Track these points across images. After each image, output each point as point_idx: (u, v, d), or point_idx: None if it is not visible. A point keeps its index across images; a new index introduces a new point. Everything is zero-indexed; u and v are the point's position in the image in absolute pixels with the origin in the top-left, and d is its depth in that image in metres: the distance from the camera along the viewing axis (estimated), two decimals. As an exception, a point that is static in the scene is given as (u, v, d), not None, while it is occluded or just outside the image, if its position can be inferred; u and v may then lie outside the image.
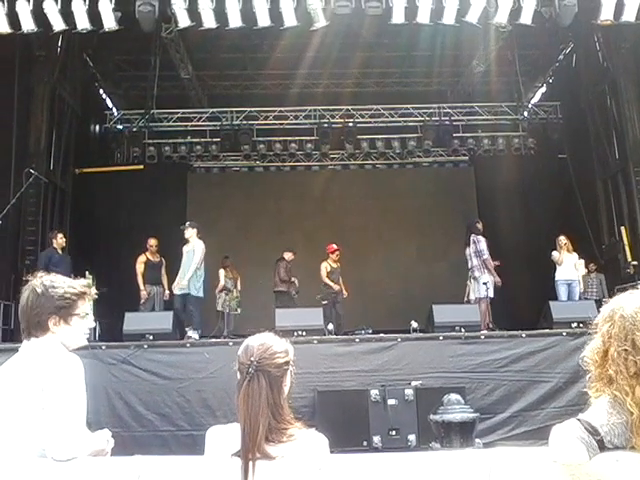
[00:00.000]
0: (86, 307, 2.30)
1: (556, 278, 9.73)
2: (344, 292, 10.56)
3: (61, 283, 2.26)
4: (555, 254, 9.80)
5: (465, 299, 10.02)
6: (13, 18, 8.40)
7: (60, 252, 9.40)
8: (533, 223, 13.53)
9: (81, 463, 1.91)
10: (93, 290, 2.33)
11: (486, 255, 9.46)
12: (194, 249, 8.84)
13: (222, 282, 10.86)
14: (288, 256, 10.98)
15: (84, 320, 2.28)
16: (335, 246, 10.67)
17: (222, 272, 10.95)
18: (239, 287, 11.22)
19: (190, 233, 8.96)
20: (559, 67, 13.90)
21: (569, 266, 9.72)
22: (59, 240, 9.42)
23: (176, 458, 1.90)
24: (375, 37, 12.59)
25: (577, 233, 12.72)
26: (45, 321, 2.19)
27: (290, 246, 11.23)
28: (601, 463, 1.58)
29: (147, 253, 9.73)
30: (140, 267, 9.61)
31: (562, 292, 9.55)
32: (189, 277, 8.65)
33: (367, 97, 15.01)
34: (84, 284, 2.31)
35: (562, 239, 9.84)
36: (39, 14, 8.49)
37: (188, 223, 9.16)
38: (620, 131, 11.35)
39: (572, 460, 1.59)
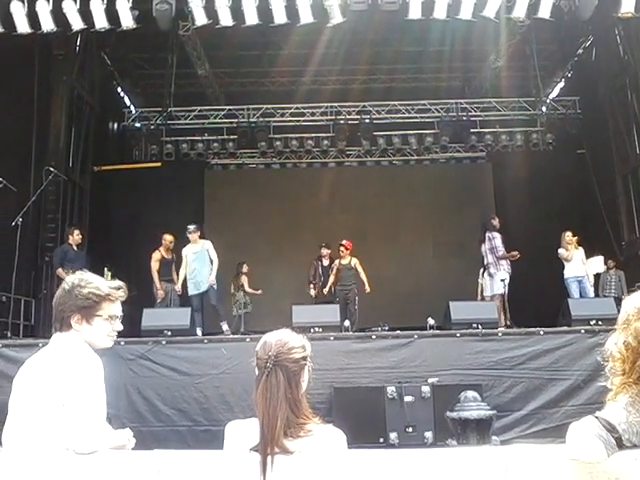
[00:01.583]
0: (112, 309, 2.30)
1: (566, 276, 9.42)
2: (366, 288, 10.21)
3: (88, 283, 2.27)
4: (562, 251, 9.46)
5: (479, 297, 9.98)
6: (33, 18, 8.51)
7: (76, 248, 9.46)
8: (551, 219, 13.40)
9: (102, 456, 1.94)
10: (121, 293, 2.33)
11: (501, 252, 9.40)
12: (207, 248, 9.23)
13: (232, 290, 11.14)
14: (321, 253, 10.64)
15: (107, 322, 2.29)
16: (344, 241, 10.40)
17: (232, 284, 11.20)
18: (247, 289, 11.21)
19: (197, 235, 9.33)
20: (578, 61, 13.73)
21: (577, 262, 9.44)
22: (75, 237, 9.47)
23: (195, 452, 1.92)
24: (389, 32, 12.53)
25: (596, 229, 12.61)
26: (68, 318, 2.23)
27: (326, 242, 10.77)
28: (619, 461, 1.57)
29: (161, 249, 9.73)
30: (156, 265, 9.69)
31: (574, 290, 9.29)
32: (215, 274, 9.10)
33: (383, 93, 14.97)
34: (113, 286, 2.31)
35: (569, 235, 9.50)
36: (58, 14, 8.59)
37: (195, 226, 9.39)
38: (641, 126, 11.20)
39: (590, 458, 1.58)
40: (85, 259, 9.42)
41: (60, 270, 9.03)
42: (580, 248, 9.59)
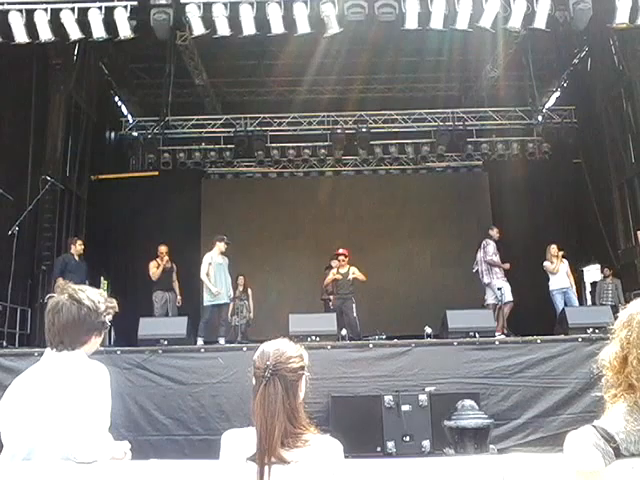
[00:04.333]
0: None
1: (551, 288, 9.60)
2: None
3: (99, 297, 2.27)
4: (548, 264, 9.66)
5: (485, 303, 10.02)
6: (31, 28, 8.52)
7: (77, 259, 9.45)
8: (548, 228, 13.45)
9: (102, 466, 1.94)
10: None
11: (489, 257, 9.46)
12: (227, 263, 9.36)
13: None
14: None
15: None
16: (341, 250, 10.35)
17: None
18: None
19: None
20: (574, 71, 13.82)
21: (562, 274, 9.63)
22: (77, 247, 9.48)
23: (192, 462, 1.92)
24: (386, 42, 12.59)
25: (592, 238, 12.66)
26: (91, 335, 2.22)
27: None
28: (617, 471, 1.57)
29: (158, 260, 9.83)
30: (157, 272, 9.71)
31: (559, 302, 9.42)
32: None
33: (380, 102, 15.03)
34: (105, 295, 2.35)
35: (555, 247, 9.74)
36: (56, 24, 8.59)
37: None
38: (636, 134, 11.24)
39: (587, 467, 1.58)
40: (85, 270, 9.41)
41: (61, 280, 8.97)
42: (565, 261, 9.77)
